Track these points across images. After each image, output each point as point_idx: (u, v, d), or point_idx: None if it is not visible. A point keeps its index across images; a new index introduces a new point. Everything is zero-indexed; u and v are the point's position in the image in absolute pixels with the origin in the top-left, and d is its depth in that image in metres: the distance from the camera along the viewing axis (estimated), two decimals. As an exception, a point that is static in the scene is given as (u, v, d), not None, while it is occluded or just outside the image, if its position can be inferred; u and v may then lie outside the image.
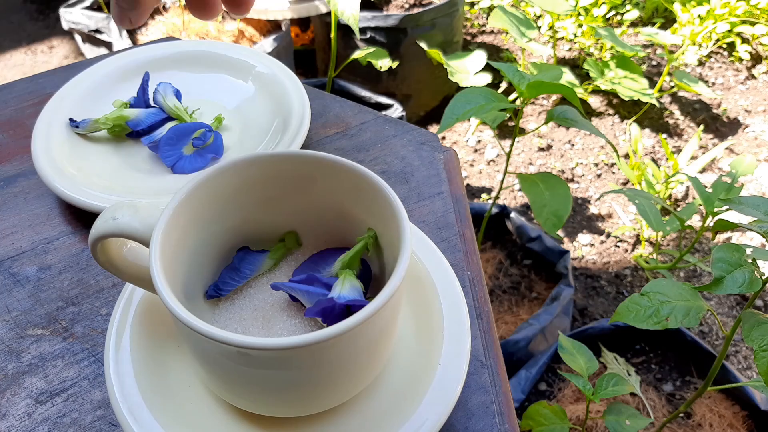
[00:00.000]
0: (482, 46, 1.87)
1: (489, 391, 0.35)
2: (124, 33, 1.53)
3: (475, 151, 1.56)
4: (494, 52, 1.84)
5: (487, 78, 1.19)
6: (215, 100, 0.55)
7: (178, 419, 0.31)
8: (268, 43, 1.35)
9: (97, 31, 1.61)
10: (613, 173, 1.48)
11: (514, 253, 1.17)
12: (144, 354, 0.33)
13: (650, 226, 0.99)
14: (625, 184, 1.45)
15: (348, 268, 0.33)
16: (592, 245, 1.32)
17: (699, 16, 1.72)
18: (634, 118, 1.60)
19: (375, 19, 1.45)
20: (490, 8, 1.97)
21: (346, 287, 0.31)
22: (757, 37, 1.80)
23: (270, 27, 1.49)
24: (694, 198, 1.39)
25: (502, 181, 0.89)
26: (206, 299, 0.34)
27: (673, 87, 1.65)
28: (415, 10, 1.48)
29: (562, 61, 1.79)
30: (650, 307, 0.47)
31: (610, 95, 1.67)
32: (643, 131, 1.57)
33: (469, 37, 1.90)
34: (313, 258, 0.35)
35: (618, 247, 1.31)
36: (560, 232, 1.33)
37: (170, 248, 0.29)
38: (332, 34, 0.94)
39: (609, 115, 1.63)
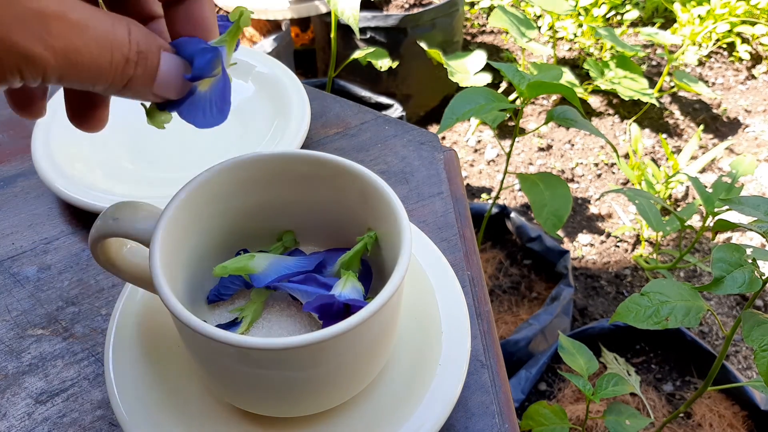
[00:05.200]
0: (482, 46, 1.87)
1: (489, 391, 0.35)
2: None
3: (475, 151, 1.56)
4: (494, 52, 1.84)
5: (487, 78, 1.19)
6: None
7: (178, 419, 0.31)
8: (268, 43, 1.35)
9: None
10: (613, 173, 1.48)
11: (514, 253, 1.17)
12: (144, 354, 0.33)
13: (650, 226, 0.99)
14: (625, 184, 1.45)
15: (348, 269, 0.33)
16: (592, 245, 1.32)
17: (699, 16, 1.72)
18: (634, 118, 1.60)
19: (375, 19, 1.45)
20: (490, 8, 1.96)
21: (347, 287, 0.31)
22: (757, 37, 1.80)
23: (270, 27, 1.49)
24: (694, 198, 1.39)
25: (502, 181, 0.89)
26: (207, 303, 0.34)
27: (673, 87, 1.65)
28: (415, 10, 1.48)
29: (562, 61, 1.79)
30: (650, 307, 0.47)
31: (610, 95, 1.67)
32: (643, 131, 1.57)
33: (469, 37, 1.90)
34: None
35: (618, 247, 1.31)
36: (560, 232, 1.33)
37: (170, 248, 0.29)
38: (332, 34, 0.94)
39: (609, 115, 1.63)
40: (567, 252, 1.08)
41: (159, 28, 0.27)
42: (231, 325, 0.32)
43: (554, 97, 1.66)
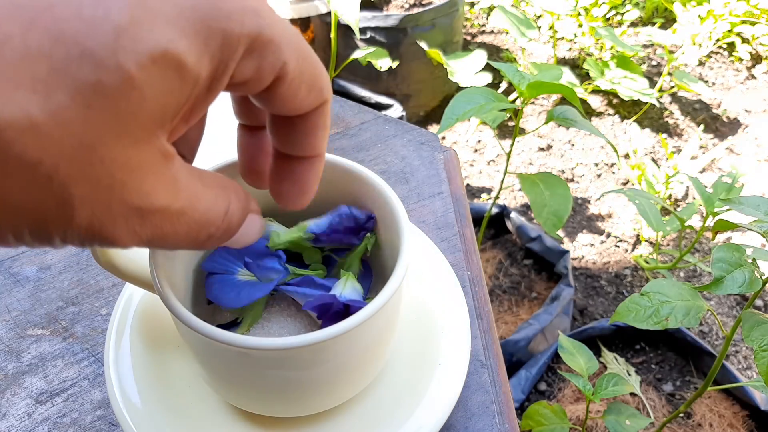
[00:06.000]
0: (482, 46, 1.87)
1: (489, 391, 0.35)
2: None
3: (475, 151, 1.56)
4: (494, 52, 1.84)
5: (487, 78, 1.19)
6: (214, 100, 0.55)
7: (178, 419, 0.31)
8: (268, 43, 1.35)
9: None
10: (613, 173, 1.48)
11: (514, 253, 1.17)
12: (144, 354, 0.33)
13: (650, 226, 0.99)
14: (625, 184, 1.45)
15: (348, 269, 0.33)
16: (592, 245, 1.32)
17: (699, 16, 1.72)
18: (634, 118, 1.60)
19: (375, 19, 1.45)
20: (490, 8, 1.96)
21: (347, 288, 0.31)
22: (757, 38, 1.80)
23: (270, 27, 1.49)
24: (694, 198, 1.39)
25: (502, 181, 0.89)
26: (207, 304, 0.34)
27: (673, 87, 1.65)
28: (415, 10, 1.48)
29: (562, 61, 1.79)
30: (650, 307, 0.47)
31: (610, 95, 1.67)
32: (643, 131, 1.57)
33: (469, 37, 1.90)
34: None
35: (618, 247, 1.31)
36: (560, 232, 1.34)
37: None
38: (332, 34, 0.94)
39: (609, 115, 1.63)
40: (567, 252, 1.08)
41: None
42: (231, 325, 0.32)
43: (554, 97, 1.66)
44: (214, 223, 0.20)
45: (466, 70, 1.20)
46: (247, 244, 0.23)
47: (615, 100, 1.65)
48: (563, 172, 1.49)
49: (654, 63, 1.79)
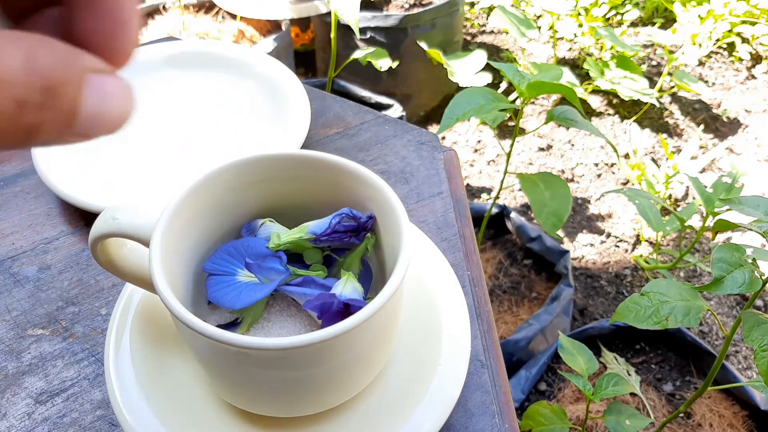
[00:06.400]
0: (482, 46, 1.87)
1: (489, 391, 0.35)
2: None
3: (475, 151, 1.56)
4: (494, 52, 1.84)
5: (487, 78, 1.19)
6: (215, 100, 0.55)
7: (178, 419, 0.31)
8: (268, 43, 1.35)
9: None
10: (613, 173, 1.48)
11: (514, 253, 1.17)
12: (144, 354, 0.33)
13: (650, 226, 0.99)
14: (625, 184, 1.45)
15: (348, 269, 0.33)
16: (592, 245, 1.32)
17: (699, 16, 1.72)
18: (634, 118, 1.60)
19: (375, 19, 1.45)
20: (490, 8, 1.96)
21: (348, 288, 0.31)
22: (757, 38, 1.80)
23: (270, 27, 1.49)
24: (694, 198, 1.39)
25: (502, 181, 0.89)
26: (207, 304, 0.34)
27: (673, 87, 1.65)
28: (415, 10, 1.48)
29: (562, 61, 1.79)
30: (650, 307, 0.47)
31: (610, 95, 1.66)
32: (643, 131, 1.57)
33: (469, 37, 1.90)
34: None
35: (618, 247, 1.31)
36: (560, 232, 1.33)
37: (170, 248, 0.29)
38: (332, 34, 0.94)
39: (609, 115, 1.63)
40: (567, 252, 1.08)
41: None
42: (231, 326, 0.32)
43: (554, 97, 1.66)
44: (12, 80, 0.13)
45: (466, 70, 1.20)
46: (119, 122, 0.17)
47: (615, 100, 1.65)
48: (563, 172, 1.49)
49: (654, 63, 1.79)
